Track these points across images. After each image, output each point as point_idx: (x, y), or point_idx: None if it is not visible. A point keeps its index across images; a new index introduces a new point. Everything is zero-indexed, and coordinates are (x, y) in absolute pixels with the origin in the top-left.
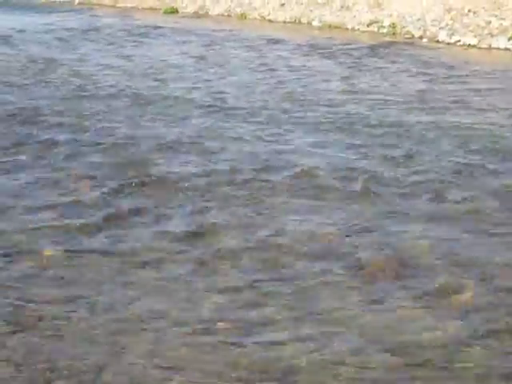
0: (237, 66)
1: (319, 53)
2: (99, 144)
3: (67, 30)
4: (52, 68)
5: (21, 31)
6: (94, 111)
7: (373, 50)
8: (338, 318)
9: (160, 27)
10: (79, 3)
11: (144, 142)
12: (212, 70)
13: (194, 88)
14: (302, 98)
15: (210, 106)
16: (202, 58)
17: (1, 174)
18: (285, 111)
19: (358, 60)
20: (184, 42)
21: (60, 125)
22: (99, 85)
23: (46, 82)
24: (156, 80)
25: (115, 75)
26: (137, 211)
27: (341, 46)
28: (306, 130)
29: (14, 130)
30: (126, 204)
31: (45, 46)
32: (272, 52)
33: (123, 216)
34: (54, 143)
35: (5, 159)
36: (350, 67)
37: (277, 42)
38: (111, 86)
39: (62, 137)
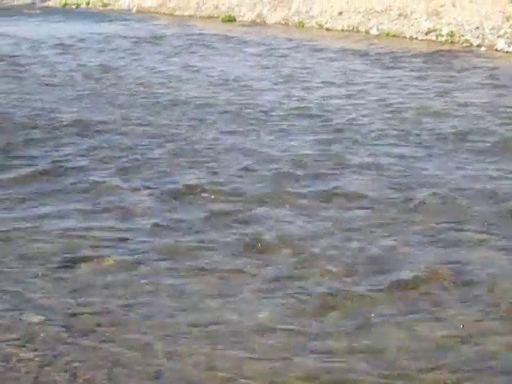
0: (319, 77)
1: (400, 65)
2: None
3: (126, 38)
4: (119, 78)
5: (81, 40)
6: (189, 123)
7: (443, 60)
8: None
9: (220, 36)
10: (137, 12)
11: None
12: (291, 84)
13: (286, 98)
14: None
15: (319, 119)
16: (270, 68)
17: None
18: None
19: (435, 72)
20: (252, 53)
21: (154, 136)
22: (178, 96)
23: (117, 92)
24: (241, 92)
25: (189, 86)
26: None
27: (420, 58)
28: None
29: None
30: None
31: (106, 55)
32: (345, 62)
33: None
34: (149, 156)
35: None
36: (441, 81)
37: (346, 52)
38: (193, 97)
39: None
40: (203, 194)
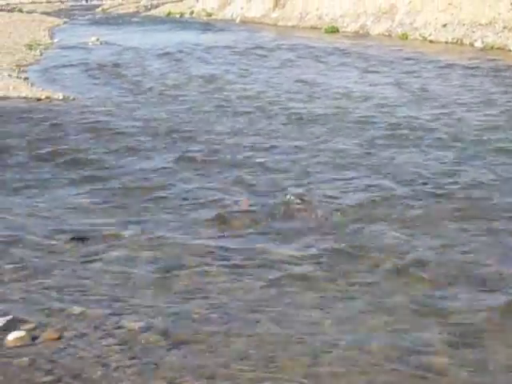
0: (449, 94)
1: None
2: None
3: (232, 49)
4: (233, 90)
5: (185, 49)
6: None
7: None
8: None
9: (329, 48)
10: (241, 21)
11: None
12: (424, 101)
13: (433, 117)
14: None
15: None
16: (391, 84)
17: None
18: None
19: None
20: (366, 68)
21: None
22: (307, 110)
23: (242, 107)
24: (374, 108)
25: (313, 100)
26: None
27: None
28: None
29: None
30: None
31: (211, 65)
32: (466, 79)
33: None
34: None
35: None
36: None
37: (462, 67)
38: (323, 113)
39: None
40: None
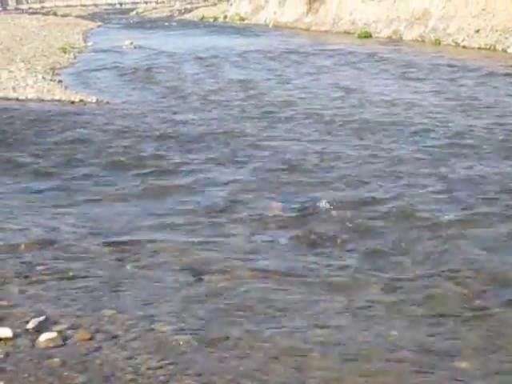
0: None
1: None
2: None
3: (266, 53)
4: (265, 93)
5: (219, 54)
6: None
7: None
8: None
9: (364, 54)
10: (274, 26)
11: None
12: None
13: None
14: None
15: None
16: (433, 92)
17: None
18: None
19: None
20: (405, 75)
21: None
22: (354, 117)
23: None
24: (427, 117)
25: (351, 107)
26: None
27: None
28: None
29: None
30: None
31: (246, 70)
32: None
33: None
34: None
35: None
36: None
37: (504, 74)
38: (375, 120)
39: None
40: None
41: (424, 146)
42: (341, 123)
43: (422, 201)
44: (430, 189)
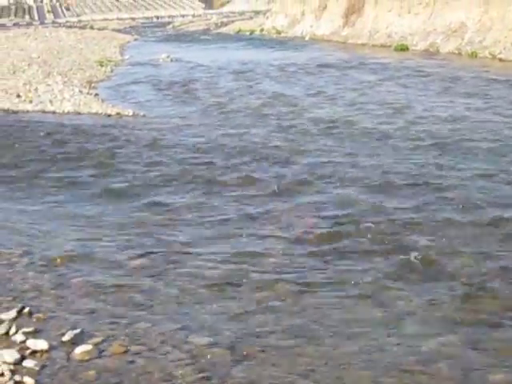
0: None
1: None
2: None
3: (304, 67)
4: (312, 109)
5: (256, 67)
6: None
7: None
8: None
9: (402, 67)
10: (310, 39)
11: None
12: None
13: None
14: None
15: None
16: (495, 108)
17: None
18: None
19: None
20: (447, 88)
21: None
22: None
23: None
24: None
25: (407, 124)
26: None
27: None
28: None
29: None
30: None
31: (283, 83)
32: None
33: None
34: None
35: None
36: None
37: None
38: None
39: None
40: None
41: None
42: (401, 141)
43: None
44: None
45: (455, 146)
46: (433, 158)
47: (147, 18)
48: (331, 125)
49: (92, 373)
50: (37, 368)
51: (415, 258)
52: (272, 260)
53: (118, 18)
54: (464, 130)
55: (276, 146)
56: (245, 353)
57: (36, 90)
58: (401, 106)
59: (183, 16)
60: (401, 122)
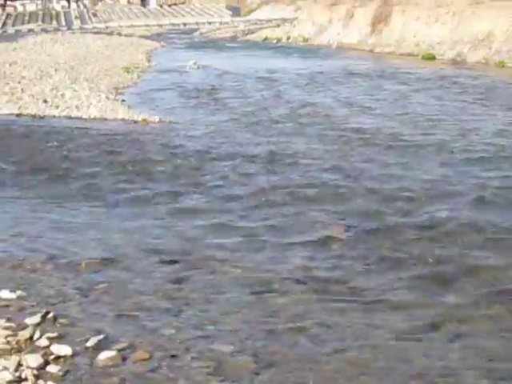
0: None
1: None
2: None
3: (330, 75)
4: (344, 120)
5: (283, 75)
6: None
7: None
8: None
9: (433, 77)
10: (337, 47)
11: None
12: None
13: None
14: None
15: None
16: None
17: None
18: None
19: None
20: (487, 101)
21: None
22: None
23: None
24: None
25: (453, 137)
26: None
27: None
28: None
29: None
30: None
31: (312, 92)
32: None
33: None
34: None
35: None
36: None
37: None
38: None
39: None
40: None
41: None
42: (459, 153)
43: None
44: None
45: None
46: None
47: (174, 25)
48: (373, 136)
49: (115, 379)
50: (60, 373)
51: None
52: (298, 265)
53: (145, 25)
54: None
55: (317, 156)
56: (269, 361)
57: (63, 95)
58: (441, 117)
59: (210, 23)
60: (448, 134)
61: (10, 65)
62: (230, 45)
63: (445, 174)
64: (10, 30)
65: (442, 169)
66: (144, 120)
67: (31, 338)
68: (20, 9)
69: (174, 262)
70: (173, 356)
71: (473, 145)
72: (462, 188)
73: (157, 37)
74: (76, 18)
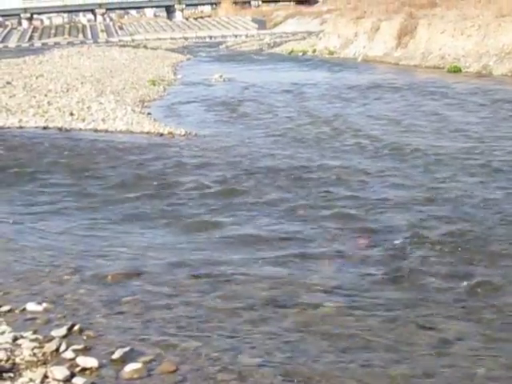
0: None
1: None
2: None
3: (358, 88)
4: (375, 134)
5: (309, 88)
6: None
7: None
8: None
9: (464, 91)
10: (363, 60)
11: None
12: None
13: None
14: None
15: None
16: None
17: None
18: None
19: None
20: None
21: None
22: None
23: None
24: None
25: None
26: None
27: None
28: None
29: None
30: None
31: (340, 106)
32: None
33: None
34: None
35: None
36: None
37: None
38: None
39: None
40: None
41: None
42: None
43: None
44: None
45: None
46: None
47: (200, 38)
48: (412, 152)
49: None
50: None
51: None
52: (322, 279)
53: (171, 38)
54: None
55: (356, 170)
56: (295, 373)
57: (89, 108)
58: (480, 134)
59: (236, 36)
60: (499, 153)
61: (37, 78)
62: (255, 57)
63: None
64: (37, 43)
65: None
66: (170, 133)
67: (57, 350)
68: (46, 22)
69: (200, 275)
70: (199, 369)
71: None
72: None
73: (183, 50)
74: (102, 31)
